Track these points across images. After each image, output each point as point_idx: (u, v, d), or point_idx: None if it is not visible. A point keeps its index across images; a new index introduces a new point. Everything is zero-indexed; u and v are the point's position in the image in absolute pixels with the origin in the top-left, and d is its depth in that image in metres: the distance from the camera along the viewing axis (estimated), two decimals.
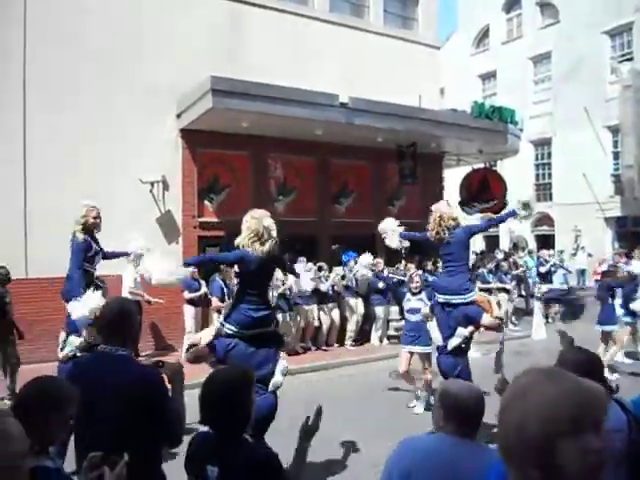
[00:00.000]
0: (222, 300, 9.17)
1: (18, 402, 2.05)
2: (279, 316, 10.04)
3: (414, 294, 7.51)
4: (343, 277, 10.97)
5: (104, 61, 10.11)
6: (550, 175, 23.79)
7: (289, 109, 10.03)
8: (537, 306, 12.51)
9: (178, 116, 10.88)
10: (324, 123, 10.65)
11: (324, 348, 10.77)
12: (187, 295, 9.76)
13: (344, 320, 11.09)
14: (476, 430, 2.20)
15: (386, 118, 11.08)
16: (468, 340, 5.74)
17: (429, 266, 12.08)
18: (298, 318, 10.37)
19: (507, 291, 13.12)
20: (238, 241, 4.43)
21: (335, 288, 10.82)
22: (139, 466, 2.17)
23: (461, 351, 5.71)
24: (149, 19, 10.66)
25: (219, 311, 8.91)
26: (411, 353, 7.21)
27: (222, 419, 2.19)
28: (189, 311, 9.76)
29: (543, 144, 23.94)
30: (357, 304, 11.15)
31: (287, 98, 9.98)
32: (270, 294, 9.65)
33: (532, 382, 1.13)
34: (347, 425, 6.16)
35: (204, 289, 9.90)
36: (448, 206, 6.18)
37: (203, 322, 10.38)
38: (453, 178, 15.64)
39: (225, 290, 9.41)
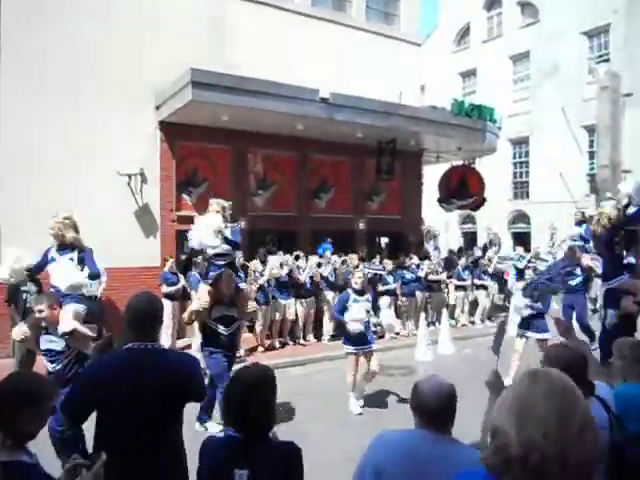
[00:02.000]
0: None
1: None
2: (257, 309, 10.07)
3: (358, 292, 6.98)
4: (319, 265, 10.97)
5: (82, 51, 9.95)
6: (527, 173, 24.09)
7: (269, 103, 9.99)
8: (512, 302, 12.66)
9: (157, 108, 10.77)
10: (305, 118, 10.65)
11: (302, 343, 10.79)
12: (165, 289, 9.69)
13: (321, 314, 11.12)
14: (448, 426, 2.23)
15: (366, 114, 11.11)
16: None
17: (408, 262, 12.19)
18: (276, 313, 10.37)
19: (485, 288, 13.28)
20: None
21: (314, 279, 10.82)
22: (175, 435, 2.61)
23: None
24: (131, 10, 10.50)
25: None
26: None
27: (250, 420, 2.15)
28: (166, 305, 9.67)
29: (521, 143, 24.22)
30: (334, 298, 11.17)
31: (267, 92, 9.94)
32: (250, 287, 9.72)
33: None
34: (324, 419, 6.21)
35: (182, 283, 9.83)
36: None
37: (180, 316, 10.33)
38: (432, 175, 15.76)
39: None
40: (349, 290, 7.01)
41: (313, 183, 13.00)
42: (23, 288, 7.55)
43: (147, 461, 2.52)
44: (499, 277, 13.90)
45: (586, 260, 9.63)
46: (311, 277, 10.78)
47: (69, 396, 2.62)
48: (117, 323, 2.89)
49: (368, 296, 7.12)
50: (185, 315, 6.33)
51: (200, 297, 6.24)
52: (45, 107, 9.57)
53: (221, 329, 5.96)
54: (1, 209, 9.23)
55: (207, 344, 6.01)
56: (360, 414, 6.72)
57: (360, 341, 6.77)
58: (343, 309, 6.81)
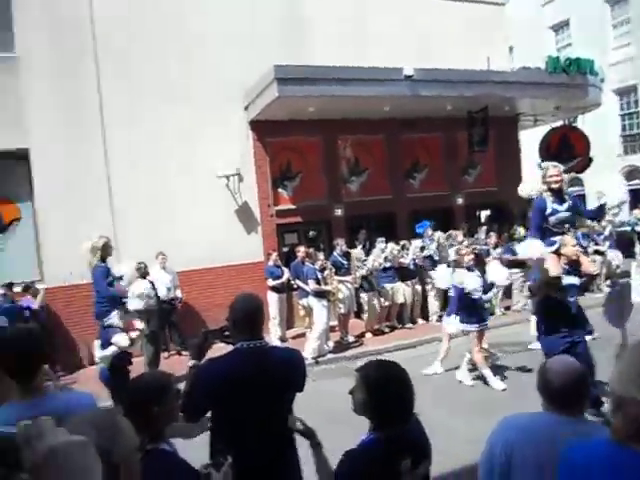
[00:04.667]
0: (318, 282, 9.22)
1: (125, 398, 2.20)
2: (363, 296, 10.15)
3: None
4: (422, 248, 10.81)
5: (172, 63, 10.45)
6: (638, 125, 22.16)
7: (354, 89, 9.96)
8: (634, 266, 11.77)
9: (245, 108, 11.08)
10: (390, 98, 10.50)
11: (409, 326, 10.71)
12: (270, 282, 10.00)
13: (426, 294, 10.96)
14: (578, 410, 2.13)
15: (454, 85, 10.75)
16: None
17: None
18: (381, 299, 10.37)
19: (601, 253, 12.42)
20: None
21: (417, 262, 10.68)
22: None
23: None
24: (213, 17, 10.84)
25: (318, 294, 9.09)
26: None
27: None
28: (273, 298, 9.98)
29: (627, 92, 22.29)
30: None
31: (351, 78, 9.92)
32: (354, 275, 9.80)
33: None
34: (439, 402, 6.14)
35: (287, 275, 10.09)
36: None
37: (288, 307, 10.65)
38: (530, 140, 14.94)
39: (318, 273, 9.37)
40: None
41: (406, 163, 12.80)
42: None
43: (265, 456, 2.59)
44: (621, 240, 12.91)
45: None
46: (414, 259, 10.66)
47: (186, 396, 2.73)
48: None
49: (478, 273, 7.02)
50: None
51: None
52: (142, 112, 10.16)
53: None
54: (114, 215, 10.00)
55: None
56: (504, 389, 6.68)
57: (478, 318, 6.91)
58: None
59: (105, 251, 5.91)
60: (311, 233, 12.07)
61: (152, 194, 10.08)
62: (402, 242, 10.98)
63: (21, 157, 9.86)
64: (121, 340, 5.78)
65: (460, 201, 13.28)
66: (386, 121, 11.83)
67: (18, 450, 0.80)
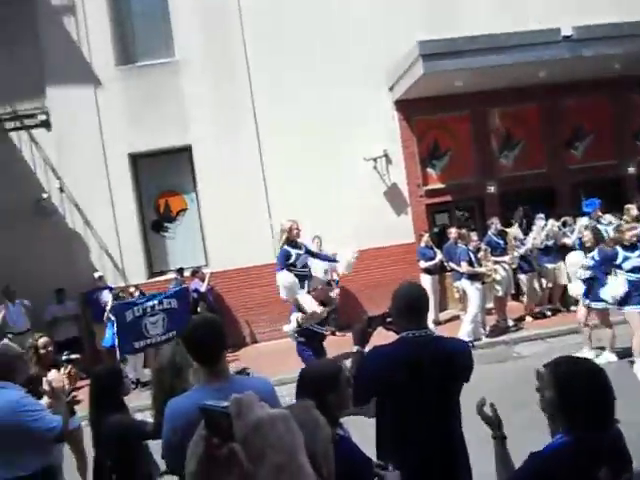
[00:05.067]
0: (471, 264, 8.91)
1: (298, 389, 2.28)
2: (522, 277, 9.58)
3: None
4: (586, 227, 9.87)
5: (317, 49, 10.63)
6: None
7: (505, 57, 9.34)
8: None
9: (390, 89, 10.94)
10: (547, 63, 9.66)
11: (574, 309, 9.89)
12: (423, 264, 9.84)
13: None
14: None
15: (621, 41, 9.59)
16: None
17: None
18: (542, 279, 9.71)
19: None
20: None
21: (583, 240, 9.79)
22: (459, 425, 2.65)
23: None
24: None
25: (472, 276, 8.80)
26: None
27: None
28: (425, 280, 9.81)
29: None
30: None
31: (501, 46, 9.31)
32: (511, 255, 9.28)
33: None
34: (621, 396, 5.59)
35: (439, 257, 9.85)
36: None
37: (441, 289, 10.43)
38: None
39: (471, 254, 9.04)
40: (617, 247, 6.48)
41: (565, 133, 11.75)
42: None
43: (430, 447, 2.55)
44: None
45: None
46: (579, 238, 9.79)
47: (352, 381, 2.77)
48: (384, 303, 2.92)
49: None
50: None
51: None
52: (291, 102, 10.52)
53: None
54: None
55: None
56: None
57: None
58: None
59: (290, 234, 6.07)
60: (459, 214, 11.63)
61: (302, 181, 10.41)
62: (563, 218, 10.13)
63: (185, 152, 10.77)
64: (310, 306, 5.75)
65: (632, 170, 11.91)
66: (541, 87, 10.93)
67: (230, 422, 0.88)
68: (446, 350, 2.71)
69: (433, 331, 2.85)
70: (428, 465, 2.54)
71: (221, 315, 9.81)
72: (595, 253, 6.76)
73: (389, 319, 2.85)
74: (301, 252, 6.11)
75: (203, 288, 9.78)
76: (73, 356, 3.93)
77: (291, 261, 6.00)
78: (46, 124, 10.53)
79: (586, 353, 6.77)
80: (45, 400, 3.41)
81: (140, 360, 8.88)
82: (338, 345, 5.65)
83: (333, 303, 6.46)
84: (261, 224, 10.49)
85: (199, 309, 9.43)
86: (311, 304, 5.64)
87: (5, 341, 4.29)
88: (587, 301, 6.94)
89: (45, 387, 3.49)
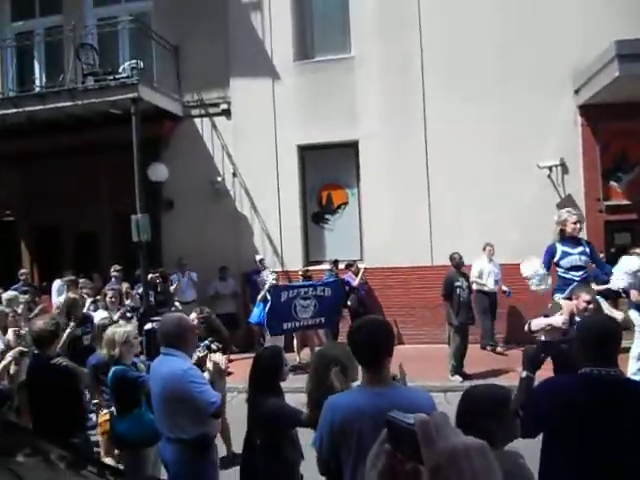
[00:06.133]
0: None
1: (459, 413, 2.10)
2: None
3: None
4: None
5: (498, 49, 10.10)
6: None
7: None
8: None
9: (576, 92, 10.05)
10: None
11: None
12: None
13: None
14: None
15: None
16: None
17: None
18: None
19: None
20: None
21: None
22: None
23: None
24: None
25: None
26: None
27: None
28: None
29: None
30: None
31: None
32: None
33: None
34: None
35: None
36: None
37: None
38: None
39: None
40: None
41: None
42: (456, 284, 8.13)
43: None
44: None
45: None
46: None
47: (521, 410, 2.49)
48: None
49: None
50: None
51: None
52: (462, 102, 10.04)
53: None
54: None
55: None
56: None
57: None
58: None
59: (564, 227, 5.47)
60: None
61: (468, 184, 9.99)
62: None
63: (351, 147, 10.90)
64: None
65: None
66: None
67: (416, 441, 0.75)
68: (636, 394, 2.32)
69: (622, 372, 2.47)
70: None
71: (369, 310, 9.78)
72: None
73: (564, 345, 2.56)
74: (573, 251, 5.35)
75: (356, 282, 9.82)
76: (214, 346, 4.44)
77: (555, 259, 5.41)
78: (227, 113, 11.31)
79: None
80: (206, 375, 3.61)
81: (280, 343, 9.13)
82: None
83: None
84: (421, 226, 10.30)
85: (349, 302, 9.50)
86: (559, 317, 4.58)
87: (179, 313, 4.66)
88: None
89: (209, 366, 3.70)
